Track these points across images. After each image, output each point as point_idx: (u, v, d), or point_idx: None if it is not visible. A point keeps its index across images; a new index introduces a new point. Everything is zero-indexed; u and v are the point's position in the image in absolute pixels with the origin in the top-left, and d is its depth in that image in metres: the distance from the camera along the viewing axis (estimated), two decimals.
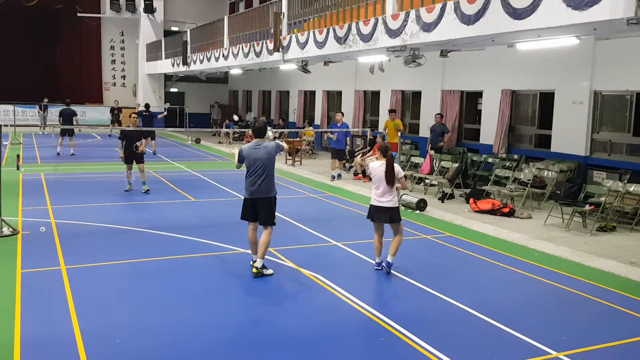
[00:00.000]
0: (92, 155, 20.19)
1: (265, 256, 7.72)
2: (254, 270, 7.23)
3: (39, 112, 27.48)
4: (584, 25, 8.03)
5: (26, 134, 26.04)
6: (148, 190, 12.98)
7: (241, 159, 7.43)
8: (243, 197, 7.49)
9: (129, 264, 7.77)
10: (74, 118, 20.54)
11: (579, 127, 12.93)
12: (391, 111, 16.57)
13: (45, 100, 28.00)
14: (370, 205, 7.64)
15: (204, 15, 30.05)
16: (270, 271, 7.31)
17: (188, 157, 20.64)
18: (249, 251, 8.32)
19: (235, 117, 28.00)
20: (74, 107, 27.09)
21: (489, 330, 5.85)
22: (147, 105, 21.45)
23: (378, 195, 7.51)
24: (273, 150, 7.36)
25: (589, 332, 5.97)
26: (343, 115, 16.64)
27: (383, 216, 7.51)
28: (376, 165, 7.61)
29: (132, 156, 12.84)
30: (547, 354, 5.31)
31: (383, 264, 7.60)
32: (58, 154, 19.55)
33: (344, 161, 16.61)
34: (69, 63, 32.49)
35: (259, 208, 7.32)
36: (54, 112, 26.67)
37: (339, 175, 15.88)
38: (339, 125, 16.06)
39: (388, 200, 7.46)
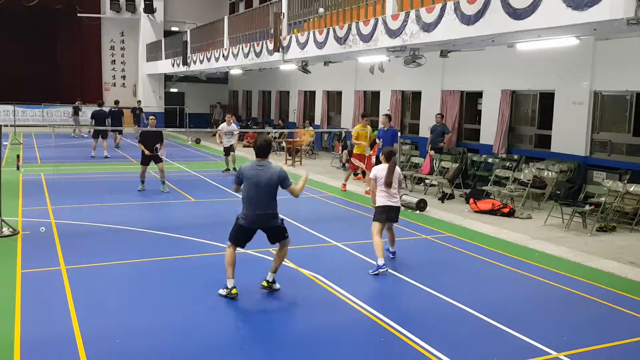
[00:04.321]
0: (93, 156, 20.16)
1: (264, 256, 7.73)
2: (264, 283, 6.72)
3: (72, 115, 27.55)
4: (584, 26, 8.04)
5: (26, 134, 26.03)
6: (167, 190, 13.17)
7: (239, 179, 6.56)
8: (236, 220, 6.58)
9: (129, 264, 7.76)
10: (106, 120, 20.27)
11: (578, 127, 12.93)
12: (364, 115, 14.49)
13: (78, 101, 27.95)
14: (382, 206, 7.79)
15: (204, 15, 30.06)
16: (278, 286, 6.73)
17: (188, 157, 20.63)
18: (249, 251, 8.33)
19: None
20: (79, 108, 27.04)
21: (489, 330, 5.85)
22: (116, 102, 21.61)
23: (391, 195, 7.82)
24: (275, 178, 6.38)
25: (589, 332, 5.97)
26: (390, 118, 14.02)
27: (395, 216, 7.94)
28: (381, 169, 7.89)
29: (151, 157, 13.08)
30: (547, 354, 5.31)
31: (391, 255, 8.22)
32: (92, 156, 19.44)
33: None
34: (69, 63, 32.51)
35: (264, 232, 6.61)
36: (87, 113, 26.98)
37: None
38: (385, 129, 13.60)
39: (397, 200, 7.95)
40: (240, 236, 6.57)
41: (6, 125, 17.50)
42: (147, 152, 13.02)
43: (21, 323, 5.67)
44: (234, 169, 15.93)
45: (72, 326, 5.62)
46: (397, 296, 7.05)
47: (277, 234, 6.64)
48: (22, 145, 21.62)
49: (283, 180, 6.44)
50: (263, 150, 6.51)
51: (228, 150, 16.53)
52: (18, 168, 15.12)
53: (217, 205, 12.30)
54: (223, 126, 16.58)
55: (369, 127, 14.04)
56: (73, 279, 6.99)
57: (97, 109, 20.55)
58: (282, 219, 6.68)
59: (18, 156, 15.90)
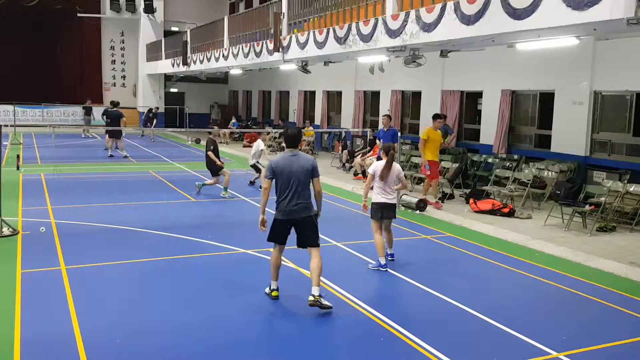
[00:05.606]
0: (93, 156, 20.18)
1: (265, 256, 7.71)
2: (311, 298, 6.13)
3: (84, 117, 27.64)
4: (584, 26, 8.03)
5: (26, 134, 26.04)
6: (227, 195, 12.81)
7: (272, 173, 6.28)
8: (274, 217, 6.39)
9: (129, 264, 7.76)
10: (121, 120, 20.12)
11: (578, 127, 12.93)
12: (438, 116, 12.54)
13: (88, 101, 28.02)
14: (377, 203, 7.79)
15: (204, 15, 30.06)
16: (328, 303, 6.18)
17: (188, 157, 20.62)
18: (249, 251, 8.34)
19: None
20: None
21: (489, 330, 5.85)
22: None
23: (387, 192, 7.81)
24: (309, 166, 6.29)
25: (589, 332, 5.97)
26: (390, 119, 14.21)
27: (391, 213, 7.91)
28: (380, 164, 7.85)
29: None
30: (547, 354, 5.31)
31: (389, 258, 7.98)
32: (111, 156, 19.48)
33: None
34: (69, 63, 32.51)
35: (297, 229, 6.39)
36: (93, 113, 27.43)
37: None
38: (385, 129, 13.80)
39: (393, 197, 7.91)
40: (278, 232, 6.38)
41: (6, 125, 17.51)
42: (219, 163, 12.76)
43: (21, 323, 5.67)
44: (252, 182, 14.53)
45: (72, 326, 5.62)
46: (397, 296, 7.06)
47: (309, 232, 6.36)
48: (22, 145, 21.60)
49: (315, 169, 6.32)
50: (294, 139, 6.41)
51: (258, 168, 14.14)
52: (18, 168, 15.12)
53: (217, 205, 12.30)
54: (260, 144, 14.26)
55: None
56: (73, 279, 6.99)
57: (111, 109, 20.43)
58: (316, 212, 6.46)
59: (18, 156, 15.90)
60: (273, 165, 6.30)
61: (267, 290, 6.58)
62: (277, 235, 6.41)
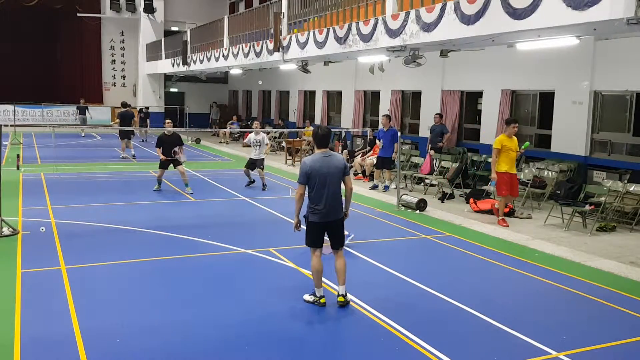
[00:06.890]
0: (93, 156, 20.18)
1: (265, 256, 7.72)
2: (341, 299, 6.24)
3: (78, 116, 27.62)
4: (584, 25, 8.04)
5: (26, 134, 26.03)
6: (191, 191, 13.05)
7: (306, 176, 6.14)
8: (309, 221, 6.33)
9: (129, 264, 7.76)
10: (132, 120, 20.08)
11: (578, 127, 12.93)
12: (512, 121, 10.76)
13: (82, 100, 28.05)
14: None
15: (204, 15, 30.06)
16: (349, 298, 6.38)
17: (188, 157, 20.50)
18: (249, 251, 8.34)
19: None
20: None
21: (488, 330, 5.85)
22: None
23: None
24: (341, 165, 6.21)
25: (589, 332, 5.97)
26: (390, 119, 14.48)
27: None
28: None
29: (169, 161, 13.02)
30: (547, 354, 5.31)
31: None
32: (134, 156, 19.46)
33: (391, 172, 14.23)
34: (69, 63, 32.48)
35: (331, 231, 6.32)
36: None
37: (386, 187, 14.09)
38: (385, 130, 13.97)
39: None
40: (315, 236, 6.32)
41: (6, 125, 17.51)
42: (162, 157, 12.95)
43: (21, 323, 5.67)
44: (265, 185, 13.91)
45: (72, 326, 5.62)
46: (397, 296, 7.05)
47: (341, 233, 6.38)
48: (22, 145, 21.60)
49: (346, 167, 6.26)
50: (326, 140, 6.24)
51: (254, 165, 13.84)
52: (18, 168, 15.13)
53: (217, 205, 12.30)
54: (251, 136, 13.96)
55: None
56: (73, 279, 6.99)
57: (124, 109, 20.34)
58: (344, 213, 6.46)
59: (18, 156, 15.92)
60: (308, 169, 6.12)
61: (310, 298, 6.35)
62: (315, 239, 6.29)
